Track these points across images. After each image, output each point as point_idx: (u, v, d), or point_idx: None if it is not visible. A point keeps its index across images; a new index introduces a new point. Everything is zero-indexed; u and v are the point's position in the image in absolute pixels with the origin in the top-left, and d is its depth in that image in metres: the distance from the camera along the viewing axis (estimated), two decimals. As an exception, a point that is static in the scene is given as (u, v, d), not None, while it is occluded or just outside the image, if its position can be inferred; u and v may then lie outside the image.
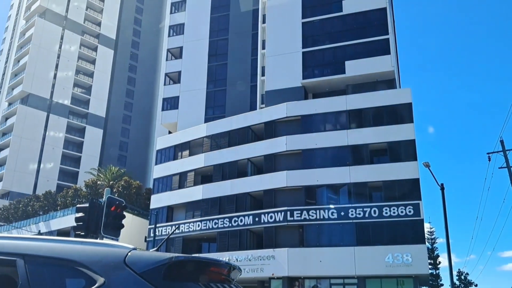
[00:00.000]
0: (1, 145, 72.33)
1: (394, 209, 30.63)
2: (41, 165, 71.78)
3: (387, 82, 36.44)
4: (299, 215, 32.59)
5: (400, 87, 40.43)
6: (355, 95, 34.91)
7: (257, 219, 34.10)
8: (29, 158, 70.59)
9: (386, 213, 30.76)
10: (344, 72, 37.00)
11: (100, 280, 1.96)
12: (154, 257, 2.07)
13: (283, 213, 33.00)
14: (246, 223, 34.48)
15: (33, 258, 2.15)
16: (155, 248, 2.42)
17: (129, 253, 2.10)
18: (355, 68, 36.66)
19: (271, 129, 36.09)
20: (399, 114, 32.99)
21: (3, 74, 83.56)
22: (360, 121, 33.78)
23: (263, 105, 40.39)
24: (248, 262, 32.17)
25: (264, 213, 33.87)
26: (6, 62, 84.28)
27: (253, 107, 42.04)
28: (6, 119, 74.53)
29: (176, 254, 2.08)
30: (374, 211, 31.03)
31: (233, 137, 37.79)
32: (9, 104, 75.93)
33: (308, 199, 33.08)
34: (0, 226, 59.91)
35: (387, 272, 29.42)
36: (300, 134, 34.50)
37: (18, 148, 69.69)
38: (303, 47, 39.17)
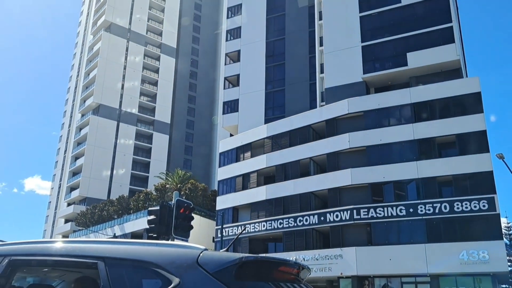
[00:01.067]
0: (77, 154, 77.06)
1: (466, 204, 29.16)
2: (114, 172, 75.62)
3: (453, 72, 34.76)
4: (366, 213, 31.93)
5: (466, 76, 38.42)
6: (419, 87, 33.64)
7: (322, 218, 33.81)
8: (103, 165, 74.62)
9: (458, 208, 29.34)
10: (406, 64, 35.76)
11: (175, 280, 2.07)
12: (225, 257, 2.16)
13: (349, 211, 32.48)
14: (311, 222, 34.30)
15: (113, 260, 2.30)
16: (224, 249, 2.52)
17: (201, 254, 2.20)
18: (417, 59, 35.33)
19: (332, 127, 35.64)
20: (467, 104, 31.38)
21: (75, 87, 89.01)
22: (426, 114, 32.47)
23: (323, 103, 39.97)
24: (316, 261, 31.98)
25: (329, 212, 33.52)
26: (78, 76, 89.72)
27: (313, 106, 41.73)
28: (80, 129, 79.27)
29: (246, 254, 2.15)
30: (445, 207, 29.70)
31: (294, 136, 37.72)
32: (82, 115, 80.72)
33: (375, 196, 32.31)
34: (79, 231, 63.86)
35: (462, 270, 28.05)
36: (363, 131, 33.77)
37: (92, 156, 73.89)
38: (362, 41, 38.33)
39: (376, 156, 32.88)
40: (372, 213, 31.73)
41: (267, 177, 39.21)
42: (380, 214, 31.44)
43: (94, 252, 2.40)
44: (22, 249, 2.58)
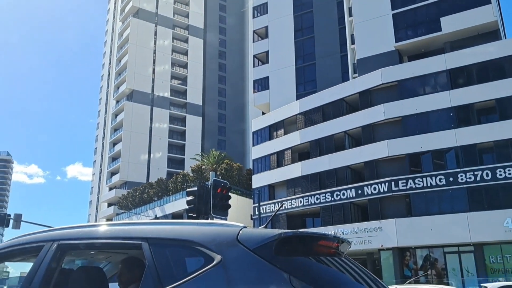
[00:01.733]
0: (115, 140, 79.14)
1: (509, 170, 28.25)
2: (151, 155, 77.37)
3: (490, 34, 33.27)
4: (404, 184, 31.48)
5: (505, 38, 36.71)
6: (454, 52, 32.43)
7: (359, 191, 33.61)
8: (140, 150, 76.43)
9: (501, 175, 28.47)
10: (440, 30, 34.49)
11: (217, 257, 2.13)
12: (264, 233, 2.19)
13: (387, 183, 32.11)
14: (348, 196, 34.17)
15: (156, 240, 2.38)
16: (263, 226, 2.55)
17: (240, 231, 2.25)
18: (451, 23, 33.97)
19: (366, 99, 35.03)
20: (506, 67, 30.05)
21: (108, 75, 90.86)
22: (463, 80, 31.37)
23: (356, 75, 39.24)
24: (355, 234, 31.96)
25: (366, 185, 33.26)
26: (110, 63, 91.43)
27: (345, 78, 41.05)
28: (116, 116, 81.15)
29: (285, 230, 2.18)
30: (487, 174, 28.88)
31: (327, 111, 37.34)
32: (117, 102, 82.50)
33: (413, 167, 31.76)
34: (121, 214, 66.06)
35: (506, 238, 27.38)
36: (398, 101, 33.03)
37: (129, 141, 75.71)
38: (392, 9, 37.16)
39: (413, 126, 32.17)
40: (410, 184, 31.26)
41: (302, 153, 39.15)
42: (419, 184, 30.94)
43: (138, 233, 2.48)
44: (69, 233, 2.70)
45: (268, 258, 2.06)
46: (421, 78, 32.72)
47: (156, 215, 53.50)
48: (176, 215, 51.52)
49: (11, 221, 27.11)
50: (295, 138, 39.09)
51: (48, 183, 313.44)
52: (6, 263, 3.23)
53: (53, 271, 2.52)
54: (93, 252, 3.41)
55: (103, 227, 2.70)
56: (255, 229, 2.35)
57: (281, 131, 40.99)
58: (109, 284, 3.07)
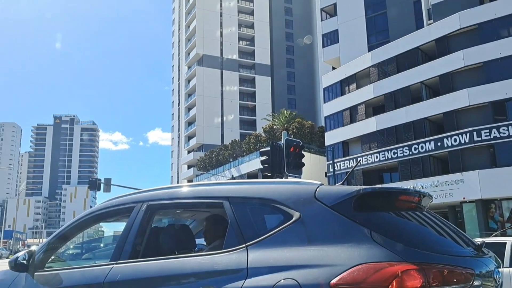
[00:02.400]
0: (189, 105, 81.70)
1: None
2: (224, 118, 79.12)
3: None
4: (487, 134, 29.61)
5: None
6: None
7: (439, 143, 32.17)
8: (213, 113, 78.38)
9: None
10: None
11: (296, 214, 2.18)
12: (342, 190, 2.21)
13: (468, 134, 30.39)
14: (427, 149, 32.88)
15: (236, 199, 2.48)
16: (340, 183, 2.56)
17: (318, 188, 2.28)
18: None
19: (443, 46, 32.83)
20: None
21: (179, 41, 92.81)
22: (556, 16, 28.25)
23: (431, 21, 36.68)
24: (435, 188, 30.90)
25: (446, 137, 31.72)
26: (179, 29, 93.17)
27: (419, 25, 38.56)
28: (189, 81, 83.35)
29: (364, 187, 2.18)
30: None
31: (401, 61, 35.58)
32: (189, 68, 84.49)
33: (497, 115, 29.67)
34: (200, 175, 68.93)
35: None
36: (479, 46, 30.60)
37: (202, 105, 77.81)
38: None
39: (496, 71, 29.80)
40: (494, 133, 29.33)
41: (376, 107, 37.96)
42: (504, 133, 28.94)
43: (219, 193, 2.61)
44: (157, 194, 2.89)
45: (347, 214, 2.08)
46: (505, 19, 29.94)
47: (232, 175, 55.18)
48: (251, 175, 52.80)
49: (102, 185, 29.36)
50: (368, 92, 37.90)
51: (132, 149, 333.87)
52: (101, 223, 3.53)
53: (144, 229, 2.73)
54: (179, 211, 3.64)
55: (187, 188, 2.86)
56: (332, 186, 2.37)
57: (353, 86, 39.89)
58: (196, 240, 3.27)
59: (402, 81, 35.14)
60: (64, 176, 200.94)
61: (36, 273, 2.99)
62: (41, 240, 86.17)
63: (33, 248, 3.23)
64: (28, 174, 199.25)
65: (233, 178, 54.17)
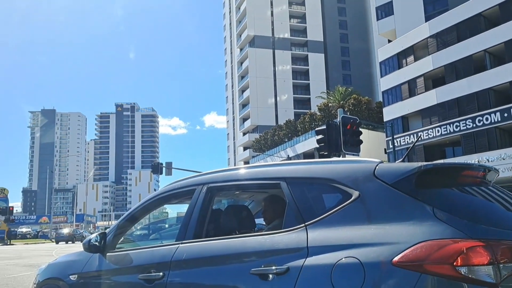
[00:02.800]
0: (243, 87, 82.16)
1: None
2: (278, 98, 78.95)
3: None
4: (561, 102, 27.59)
5: None
6: None
7: (506, 114, 30.38)
8: (267, 94, 78.40)
9: None
10: None
11: (355, 193, 2.17)
12: (402, 167, 2.16)
13: (539, 103, 28.47)
14: (493, 120, 31.16)
15: (293, 179, 2.50)
16: (400, 160, 2.50)
17: (377, 166, 2.24)
18: None
19: (508, 10, 30.68)
20: None
21: (230, 24, 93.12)
22: None
23: (495, -17, 34.33)
24: (502, 161, 29.34)
25: (514, 107, 29.93)
26: (230, 12, 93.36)
27: (482, -11, 36.22)
28: (241, 63, 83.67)
29: (425, 163, 2.12)
30: None
31: (462, 29, 33.68)
32: (241, 50, 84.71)
33: None
34: (256, 156, 69.57)
35: None
36: (550, 6, 28.35)
37: (256, 87, 78.00)
38: None
39: None
40: None
41: (436, 79, 36.36)
42: None
43: (277, 174, 2.64)
44: (217, 177, 2.98)
45: (408, 191, 2.04)
46: None
47: (288, 156, 55.24)
48: (307, 155, 52.59)
49: (164, 169, 30.45)
50: (427, 64, 36.33)
51: (189, 133, 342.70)
52: (165, 205, 3.68)
53: (206, 210, 2.83)
54: (237, 192, 3.72)
55: (245, 170, 2.92)
56: (392, 163, 2.33)
57: (410, 58, 38.38)
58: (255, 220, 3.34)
59: (463, 51, 33.36)
60: (128, 161, 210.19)
61: (108, 254, 3.19)
62: (110, 222, 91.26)
63: (105, 230, 3.43)
64: (94, 160, 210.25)
65: (288, 158, 54.23)
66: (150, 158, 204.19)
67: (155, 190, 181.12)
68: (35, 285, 3.72)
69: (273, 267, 2.15)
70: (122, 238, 3.39)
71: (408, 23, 40.33)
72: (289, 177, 2.51)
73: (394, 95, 40.05)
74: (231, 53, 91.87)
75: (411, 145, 2.81)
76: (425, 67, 36.59)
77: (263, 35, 79.79)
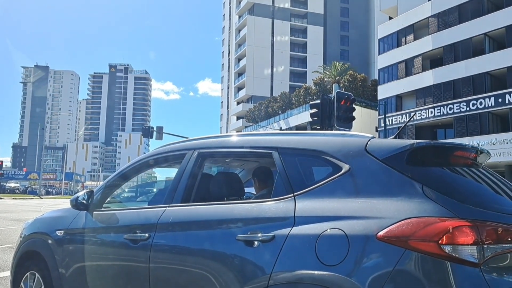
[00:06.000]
0: (239, 55, 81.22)
1: None
2: (274, 69, 78.30)
3: None
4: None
5: None
6: None
7: (500, 100, 30.48)
8: (263, 64, 77.66)
9: None
10: None
11: (345, 166, 2.16)
12: (394, 144, 2.16)
13: (533, 90, 28.56)
14: (487, 105, 31.28)
15: (285, 150, 2.49)
16: (392, 137, 2.49)
17: (369, 142, 2.24)
18: None
19: (513, -7, 30.36)
20: None
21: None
22: None
23: (501, -34, 33.81)
24: (492, 146, 29.62)
25: (509, 93, 29.97)
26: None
27: (488, -29, 35.69)
28: (239, 31, 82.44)
29: (418, 141, 2.11)
30: None
31: (464, 11, 33.33)
32: (239, 17, 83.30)
33: None
34: (249, 126, 69.54)
35: None
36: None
37: (253, 56, 77.14)
38: None
39: None
40: None
41: (434, 60, 36.19)
42: None
43: (269, 143, 2.63)
44: (208, 143, 2.96)
45: (399, 168, 2.04)
46: None
47: (281, 128, 55.26)
48: (300, 128, 52.65)
49: (154, 133, 30.35)
50: (426, 44, 36.08)
51: (182, 99, 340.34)
52: (154, 169, 3.67)
53: (195, 175, 2.82)
54: (228, 159, 3.71)
55: (237, 137, 2.90)
56: (384, 139, 2.32)
57: (410, 37, 38.05)
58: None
59: (463, 33, 33.11)
60: (119, 123, 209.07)
61: (94, 212, 3.19)
62: (98, 182, 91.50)
63: (92, 189, 3.43)
64: (85, 120, 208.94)
65: (281, 130, 54.29)
66: (141, 121, 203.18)
67: (144, 153, 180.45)
68: (21, 239, 3.73)
69: (259, 234, 2.16)
70: (110, 198, 3.39)
71: (411, 0, 39.78)
72: (281, 147, 2.50)
73: (390, 73, 39.88)
74: (230, 19, 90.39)
75: (404, 124, 2.80)
76: (424, 47, 36.33)
77: (263, 3, 78.40)
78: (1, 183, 49.77)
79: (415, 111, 36.07)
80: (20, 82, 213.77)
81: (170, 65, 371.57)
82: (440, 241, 1.75)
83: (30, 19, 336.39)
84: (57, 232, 3.34)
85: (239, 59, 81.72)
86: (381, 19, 48.09)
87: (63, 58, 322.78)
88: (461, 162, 2.26)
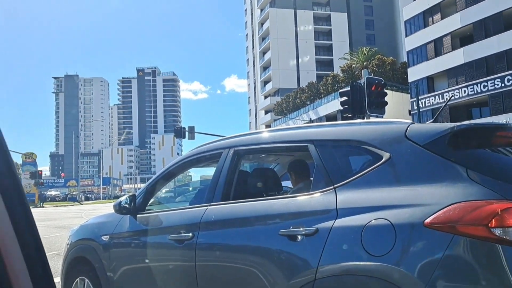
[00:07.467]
0: (263, 49, 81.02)
1: None
2: (299, 60, 77.74)
3: None
4: None
5: None
6: None
7: (537, 73, 29.36)
8: (288, 56, 77.20)
9: None
10: None
11: (386, 155, 2.13)
12: (435, 128, 2.12)
13: None
14: (523, 80, 30.18)
15: (321, 142, 2.48)
16: (431, 120, 2.45)
17: (408, 128, 2.20)
18: None
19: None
20: None
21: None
22: None
23: None
24: (531, 122, 28.57)
25: (546, 65, 28.83)
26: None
27: None
28: (262, 24, 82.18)
29: (458, 123, 2.07)
30: None
31: (494, -17, 32.15)
32: (261, 10, 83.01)
33: None
34: (278, 119, 69.39)
35: None
36: None
37: (277, 48, 76.81)
38: None
39: None
40: None
41: (464, 38, 35.13)
42: None
43: (304, 136, 2.62)
44: (243, 140, 2.99)
45: (441, 152, 2.00)
46: None
47: (310, 119, 54.91)
48: (329, 117, 52.17)
49: (186, 133, 30.73)
50: (454, 22, 35.03)
51: (210, 98, 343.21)
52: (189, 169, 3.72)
53: (233, 172, 2.86)
54: (263, 155, 3.72)
55: (271, 133, 2.91)
56: (424, 124, 2.28)
57: (437, 16, 37.03)
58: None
59: (493, 7, 31.97)
60: (151, 126, 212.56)
61: (138, 215, 3.28)
62: (135, 185, 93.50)
63: (134, 193, 3.51)
64: (118, 125, 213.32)
65: (311, 121, 53.92)
66: (172, 122, 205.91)
67: (178, 154, 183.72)
68: (68, 246, 3.86)
69: (301, 229, 2.17)
70: (152, 200, 3.46)
71: (436, -22, 38.68)
72: (317, 140, 2.49)
73: (420, 54, 39.00)
74: (252, 14, 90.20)
75: (443, 105, 2.74)
76: (452, 25, 35.32)
77: (283, -5, 77.86)
78: (42, 192, 51.56)
79: (448, 92, 35.16)
80: (52, 92, 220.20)
81: (196, 64, 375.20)
82: (489, 224, 1.72)
83: (57, 30, 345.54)
84: (102, 237, 3.44)
85: (263, 53, 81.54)
86: (406, 0, 46.96)
87: (91, 66, 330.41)
88: (503, 142, 2.21)
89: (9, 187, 0.69)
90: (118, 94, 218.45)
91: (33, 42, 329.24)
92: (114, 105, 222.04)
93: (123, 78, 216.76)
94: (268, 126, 76.22)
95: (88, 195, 72.30)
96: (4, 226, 0.69)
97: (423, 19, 38.46)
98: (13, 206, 0.71)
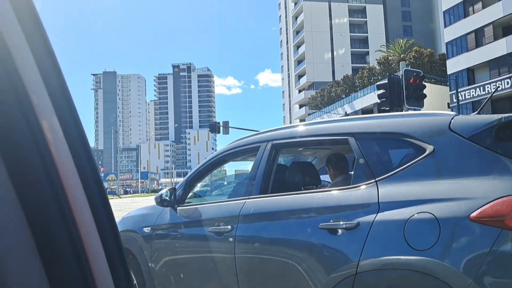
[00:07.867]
0: (298, 42, 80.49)
1: None
2: (334, 53, 76.81)
3: None
4: None
5: None
6: None
7: None
8: (323, 49, 76.41)
9: None
10: None
11: (429, 147, 2.09)
12: (480, 119, 2.07)
13: None
14: None
15: (362, 135, 2.45)
16: (475, 112, 2.38)
17: (452, 120, 2.14)
18: None
19: None
20: None
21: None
22: None
23: None
24: None
25: None
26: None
27: None
28: (296, 18, 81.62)
29: (506, 115, 2.02)
30: None
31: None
32: (295, 4, 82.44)
33: None
34: (313, 113, 68.90)
35: None
36: None
37: (311, 42, 76.14)
38: None
39: None
40: None
41: (506, 27, 33.77)
42: None
43: (343, 129, 2.60)
44: (280, 134, 2.99)
45: (488, 145, 1.95)
46: None
47: (345, 112, 54.23)
48: (365, 111, 51.36)
49: (221, 128, 30.96)
50: (497, 10, 33.70)
51: (244, 93, 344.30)
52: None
53: (271, 166, 2.86)
54: (301, 149, 3.72)
55: (309, 126, 2.90)
56: (468, 116, 2.23)
57: (478, 5, 35.72)
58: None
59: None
60: (186, 121, 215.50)
61: (178, 208, 3.34)
62: (172, 179, 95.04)
63: (174, 186, 3.59)
64: (155, 120, 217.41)
65: (346, 114, 53.26)
66: (207, 117, 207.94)
67: (212, 149, 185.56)
68: None
69: (342, 222, 2.16)
70: (191, 193, 3.53)
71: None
72: (357, 132, 2.47)
73: (459, 46, 37.78)
74: (285, 7, 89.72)
75: (487, 97, 2.66)
76: (494, 15, 33.99)
77: (318, -12, 77.01)
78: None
79: (490, 83, 33.93)
80: (91, 89, 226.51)
81: (230, 59, 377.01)
82: None
83: (96, 28, 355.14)
84: (144, 229, 3.53)
85: (298, 46, 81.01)
86: (445, -11, 45.53)
87: (128, 63, 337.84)
88: None
89: (89, 179, 0.64)
90: (154, 90, 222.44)
91: (73, 41, 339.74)
92: (151, 101, 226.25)
93: (159, 74, 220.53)
94: (302, 120, 75.78)
95: (126, 189, 74.23)
96: (86, 219, 0.62)
97: (463, 9, 37.19)
98: (93, 197, 0.66)
